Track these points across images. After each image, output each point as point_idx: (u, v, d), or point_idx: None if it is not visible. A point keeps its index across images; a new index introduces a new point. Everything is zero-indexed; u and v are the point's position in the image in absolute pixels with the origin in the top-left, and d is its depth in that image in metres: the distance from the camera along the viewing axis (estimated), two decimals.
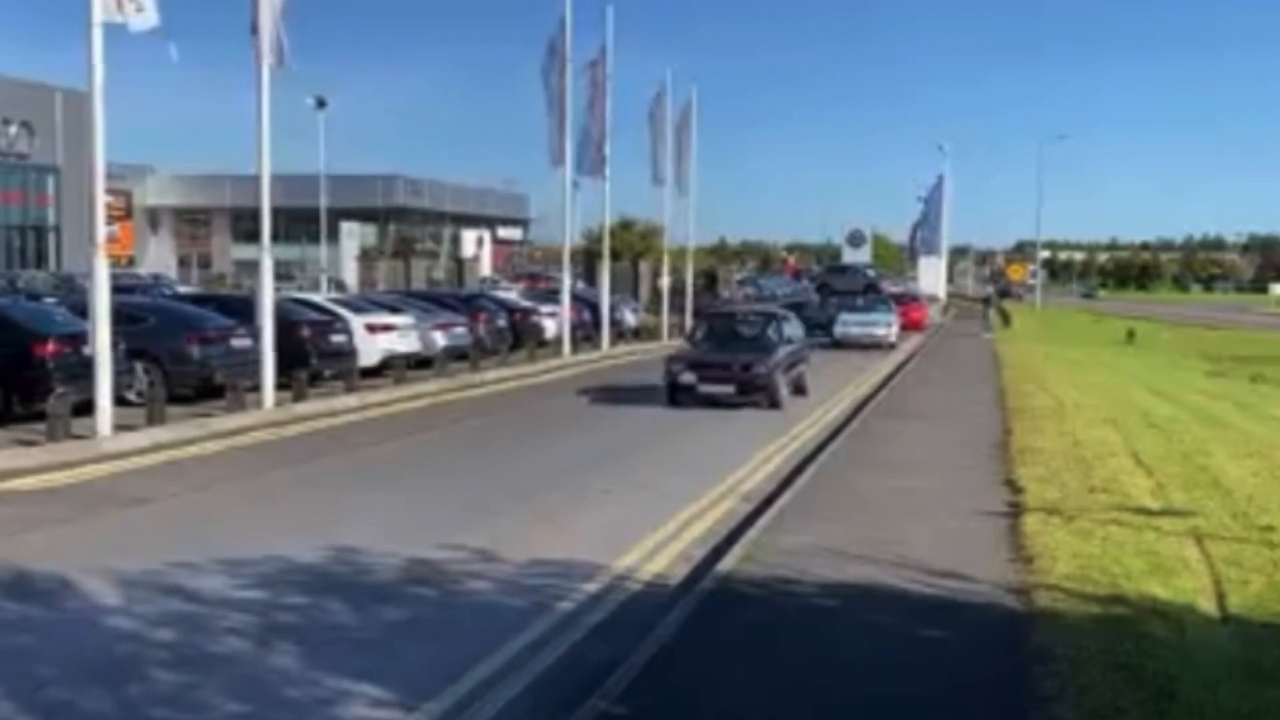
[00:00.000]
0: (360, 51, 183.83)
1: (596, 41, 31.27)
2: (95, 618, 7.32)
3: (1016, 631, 6.95)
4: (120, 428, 14.13)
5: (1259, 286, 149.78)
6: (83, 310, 15.39)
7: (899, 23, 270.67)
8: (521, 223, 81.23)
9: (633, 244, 61.26)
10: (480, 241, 71.40)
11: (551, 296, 32.86)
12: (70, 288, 31.47)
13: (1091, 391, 22.49)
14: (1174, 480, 12.08)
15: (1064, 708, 5.66)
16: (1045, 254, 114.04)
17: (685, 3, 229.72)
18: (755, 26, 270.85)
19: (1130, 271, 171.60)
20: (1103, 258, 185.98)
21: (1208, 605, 7.57)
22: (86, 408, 14.01)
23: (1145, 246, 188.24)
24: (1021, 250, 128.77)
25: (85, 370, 14.13)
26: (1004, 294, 76.08)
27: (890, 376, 25.30)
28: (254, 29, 16.64)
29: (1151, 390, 24.44)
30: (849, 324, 35.80)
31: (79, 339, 14.81)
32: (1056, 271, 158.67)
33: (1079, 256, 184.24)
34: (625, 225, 63.00)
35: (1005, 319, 52.53)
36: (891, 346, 34.65)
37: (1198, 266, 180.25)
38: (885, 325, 35.98)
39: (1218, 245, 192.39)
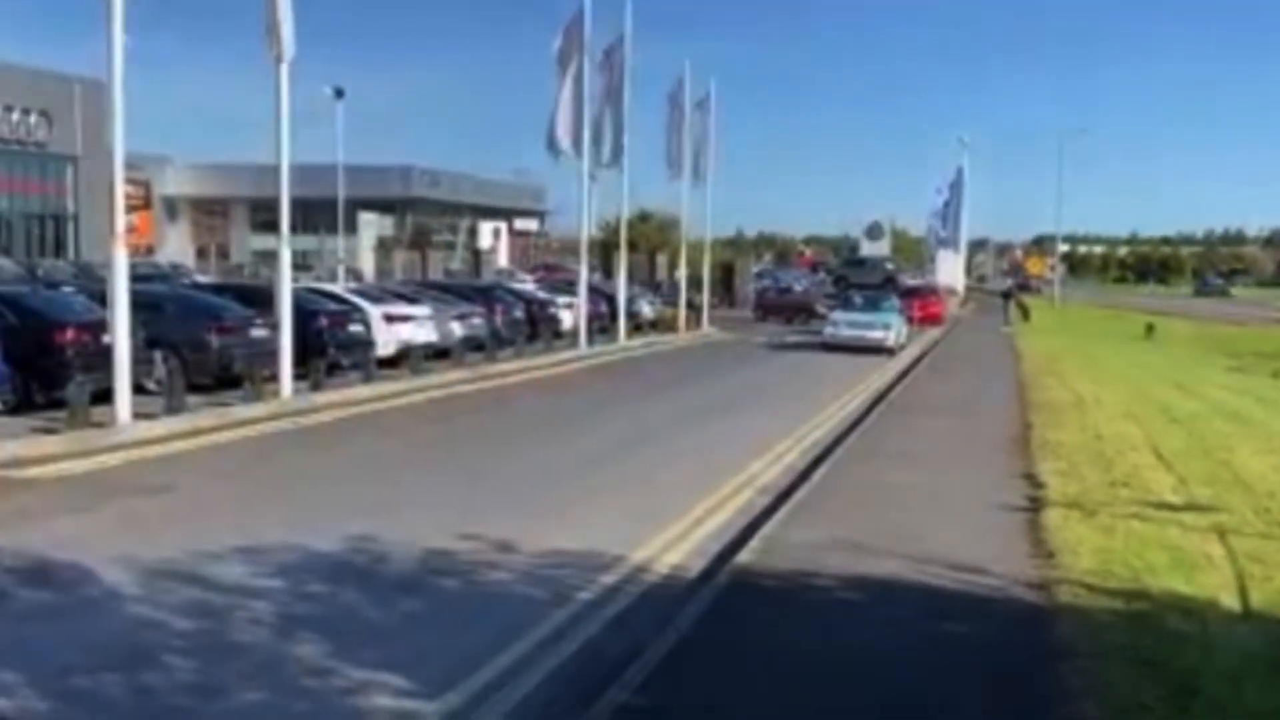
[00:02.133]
0: (368, 44, 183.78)
1: (612, 31, 31.02)
2: (116, 606, 7.33)
3: (1039, 626, 6.91)
4: (139, 416, 14.16)
5: None
6: (102, 298, 15.42)
7: (918, 13, 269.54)
8: (538, 214, 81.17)
9: (650, 236, 61.31)
10: (497, 233, 71.50)
11: (568, 288, 32.80)
12: (89, 276, 31.53)
13: (1111, 386, 22.38)
14: (1196, 475, 12.02)
15: (1088, 703, 5.62)
16: (1064, 248, 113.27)
17: None
18: (773, 16, 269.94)
19: (1150, 266, 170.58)
20: (1122, 251, 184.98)
21: (1230, 601, 7.53)
22: (105, 396, 14.05)
23: (1165, 240, 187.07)
24: (1040, 244, 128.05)
25: (104, 358, 14.14)
26: (1022, 288, 75.79)
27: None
28: (269, 25, 16.63)
29: (1172, 385, 24.31)
30: (839, 324, 30.45)
31: (98, 327, 14.84)
32: (1075, 265, 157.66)
33: (1098, 250, 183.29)
34: (643, 217, 63.06)
35: (1024, 313, 52.33)
36: (891, 352, 29.10)
37: (1218, 261, 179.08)
38: (883, 327, 30.05)
39: (1238, 239, 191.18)
